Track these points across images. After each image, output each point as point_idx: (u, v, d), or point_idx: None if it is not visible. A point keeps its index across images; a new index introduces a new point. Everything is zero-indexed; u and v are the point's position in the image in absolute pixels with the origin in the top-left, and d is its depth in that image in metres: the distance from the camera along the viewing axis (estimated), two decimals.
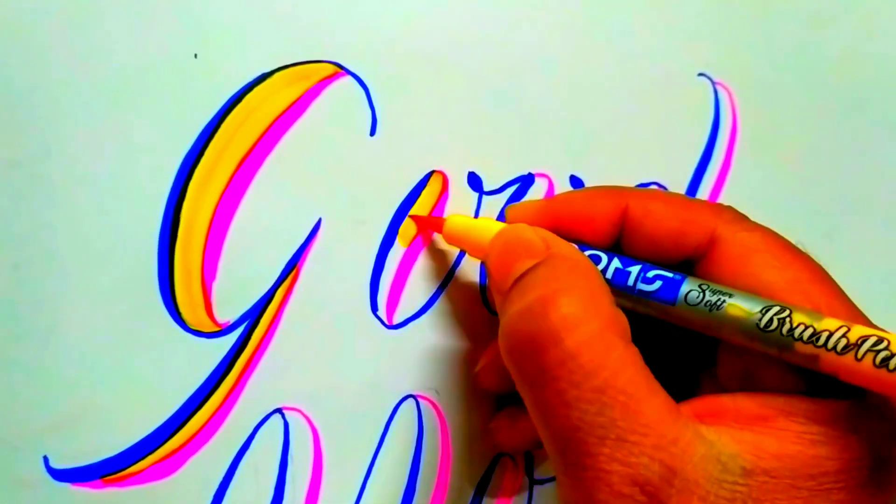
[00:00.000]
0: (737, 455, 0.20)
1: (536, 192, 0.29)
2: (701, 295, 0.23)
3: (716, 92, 0.32)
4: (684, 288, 0.23)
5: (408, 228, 0.28)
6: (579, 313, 0.21)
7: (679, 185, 0.32)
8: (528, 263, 0.23)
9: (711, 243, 0.24)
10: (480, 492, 0.30)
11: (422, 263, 0.28)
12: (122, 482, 0.25)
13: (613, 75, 0.30)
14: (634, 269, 0.24)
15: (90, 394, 0.25)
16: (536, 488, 0.31)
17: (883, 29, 0.34)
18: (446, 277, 0.29)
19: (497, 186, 0.29)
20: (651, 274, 0.24)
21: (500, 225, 0.26)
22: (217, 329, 0.26)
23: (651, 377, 0.21)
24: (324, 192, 0.27)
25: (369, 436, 0.28)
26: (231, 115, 0.25)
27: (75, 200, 0.24)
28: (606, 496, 0.19)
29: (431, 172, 0.28)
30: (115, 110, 0.24)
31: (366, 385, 0.28)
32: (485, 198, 0.29)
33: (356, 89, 0.27)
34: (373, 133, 0.27)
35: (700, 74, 0.32)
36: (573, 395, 0.20)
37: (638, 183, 0.31)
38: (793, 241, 0.24)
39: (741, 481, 0.19)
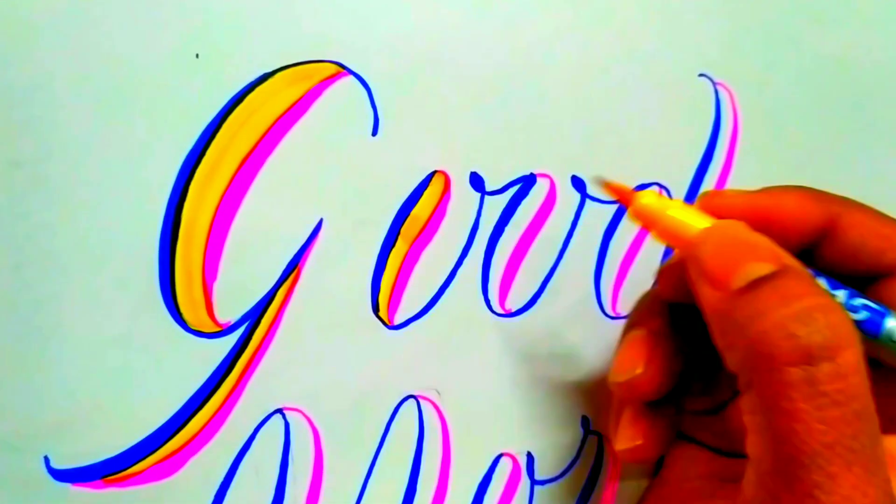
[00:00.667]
0: None
1: (538, 193, 0.29)
2: None
3: (717, 92, 0.32)
4: (888, 323, 0.22)
5: (410, 228, 0.28)
6: (846, 335, 0.20)
7: (680, 186, 0.32)
8: (761, 269, 0.22)
9: None
10: (481, 493, 0.30)
11: (423, 264, 0.28)
12: (122, 482, 0.25)
13: (615, 76, 0.30)
14: (840, 294, 0.24)
15: (91, 394, 0.25)
16: (537, 489, 0.31)
17: (883, 29, 0.34)
18: (448, 278, 0.29)
19: (500, 186, 0.29)
20: (857, 302, 0.23)
21: (697, 215, 0.25)
22: (218, 329, 0.26)
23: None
24: (325, 193, 0.27)
25: (370, 436, 0.28)
26: (232, 115, 0.25)
27: (76, 201, 0.24)
28: None
29: (433, 172, 0.28)
30: (117, 110, 0.24)
31: (367, 385, 0.28)
32: (487, 198, 0.29)
33: (358, 89, 0.27)
34: (375, 133, 0.27)
35: (701, 75, 0.32)
36: (834, 415, 0.19)
37: (639, 184, 0.31)
38: None
39: None
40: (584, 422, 0.31)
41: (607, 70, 0.30)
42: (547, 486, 0.31)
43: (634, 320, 0.28)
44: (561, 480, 0.31)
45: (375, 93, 0.27)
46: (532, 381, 0.30)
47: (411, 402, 0.29)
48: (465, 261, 0.29)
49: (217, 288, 0.26)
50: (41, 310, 0.24)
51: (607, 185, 0.26)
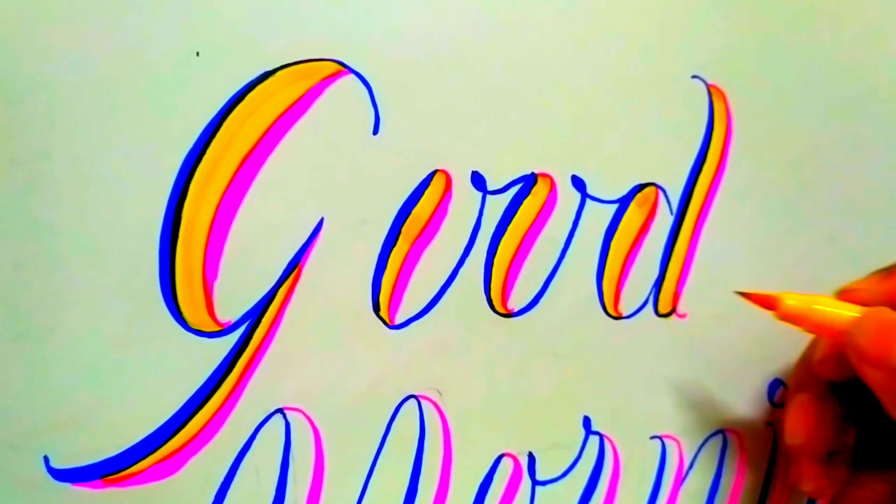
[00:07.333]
0: None
1: (539, 193, 0.30)
2: None
3: (710, 94, 0.32)
4: None
5: (411, 228, 0.28)
6: None
7: (675, 186, 0.32)
8: None
9: None
10: (482, 493, 0.30)
11: (424, 263, 0.28)
12: (122, 482, 0.25)
13: (611, 77, 0.30)
14: None
15: (91, 393, 0.25)
16: (538, 489, 0.31)
17: (879, 30, 0.35)
18: (449, 277, 0.29)
19: (501, 186, 0.29)
20: None
21: (846, 305, 0.29)
22: (218, 328, 0.26)
23: None
24: (326, 192, 0.27)
25: (371, 436, 0.28)
26: (233, 113, 0.25)
27: (76, 199, 0.24)
28: None
29: (435, 171, 0.28)
30: (117, 109, 0.24)
31: (367, 385, 0.28)
32: (488, 197, 0.29)
33: (359, 88, 0.27)
34: (376, 132, 0.27)
35: (694, 76, 0.32)
36: None
37: (636, 184, 0.31)
38: None
39: None
40: (586, 422, 0.31)
41: (604, 71, 0.30)
42: (548, 486, 0.31)
43: (797, 384, 0.32)
44: (562, 481, 0.31)
45: (376, 91, 0.27)
46: (534, 381, 0.30)
47: (412, 401, 0.29)
48: (467, 260, 0.29)
49: (217, 287, 0.26)
50: (41, 309, 0.24)
51: (750, 297, 0.30)
